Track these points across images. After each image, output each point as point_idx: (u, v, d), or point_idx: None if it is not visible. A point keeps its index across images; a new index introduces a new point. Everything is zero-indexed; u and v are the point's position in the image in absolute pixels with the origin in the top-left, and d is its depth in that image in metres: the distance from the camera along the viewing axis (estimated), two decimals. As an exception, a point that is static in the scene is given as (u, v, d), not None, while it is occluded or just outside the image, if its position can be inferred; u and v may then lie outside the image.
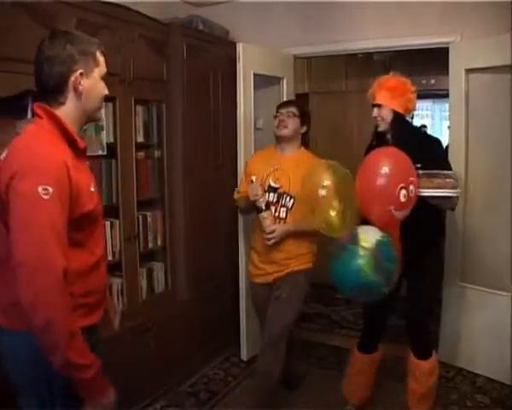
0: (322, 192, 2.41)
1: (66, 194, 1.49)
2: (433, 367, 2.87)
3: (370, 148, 2.84)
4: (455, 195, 2.51)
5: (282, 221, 3.00)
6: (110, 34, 2.94)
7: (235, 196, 3.29)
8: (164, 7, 3.88)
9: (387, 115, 2.73)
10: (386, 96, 2.71)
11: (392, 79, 2.76)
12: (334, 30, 4.05)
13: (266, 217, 2.94)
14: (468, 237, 3.68)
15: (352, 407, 3.13)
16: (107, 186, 3.06)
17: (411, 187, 2.35)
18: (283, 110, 3.12)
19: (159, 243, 3.52)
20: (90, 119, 1.73)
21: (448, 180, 2.47)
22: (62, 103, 1.61)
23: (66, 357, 1.45)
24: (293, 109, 3.10)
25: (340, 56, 4.97)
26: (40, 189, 1.42)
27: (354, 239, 2.37)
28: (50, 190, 1.43)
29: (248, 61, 3.73)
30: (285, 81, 4.19)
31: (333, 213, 2.39)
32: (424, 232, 2.72)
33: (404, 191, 2.31)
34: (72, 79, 1.59)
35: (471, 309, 3.63)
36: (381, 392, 3.25)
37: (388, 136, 2.77)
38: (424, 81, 7.10)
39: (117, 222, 3.09)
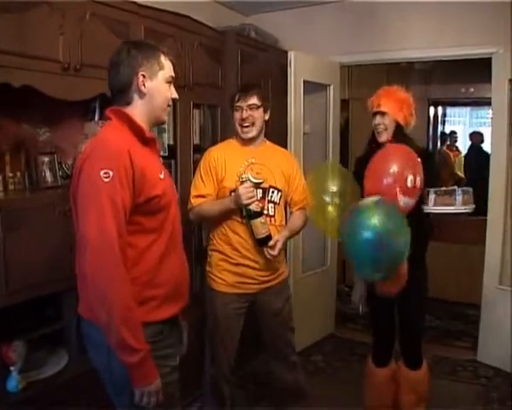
0: (328, 198, 2.54)
1: (129, 178, 1.63)
2: (426, 374, 2.86)
3: (363, 161, 2.63)
4: (470, 211, 2.53)
5: (271, 219, 2.70)
6: (173, 42, 3.13)
7: (195, 201, 2.72)
8: (215, 16, 4.06)
9: (391, 126, 2.66)
10: (395, 106, 2.65)
11: (401, 92, 2.72)
12: (379, 39, 4.16)
13: (264, 222, 2.60)
14: (506, 241, 3.83)
15: None
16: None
17: (418, 178, 2.32)
18: (243, 104, 2.69)
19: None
20: (155, 120, 1.88)
21: (463, 197, 2.50)
22: (128, 103, 1.80)
23: (119, 332, 1.55)
24: (255, 101, 2.69)
25: (382, 64, 5.08)
26: (102, 173, 1.59)
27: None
28: (111, 173, 1.59)
29: (299, 69, 3.91)
30: (332, 88, 4.35)
31: (335, 216, 2.51)
32: (416, 247, 2.34)
33: (411, 177, 2.29)
34: (136, 80, 1.77)
35: (509, 311, 3.72)
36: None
37: None
38: (463, 89, 7.21)
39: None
